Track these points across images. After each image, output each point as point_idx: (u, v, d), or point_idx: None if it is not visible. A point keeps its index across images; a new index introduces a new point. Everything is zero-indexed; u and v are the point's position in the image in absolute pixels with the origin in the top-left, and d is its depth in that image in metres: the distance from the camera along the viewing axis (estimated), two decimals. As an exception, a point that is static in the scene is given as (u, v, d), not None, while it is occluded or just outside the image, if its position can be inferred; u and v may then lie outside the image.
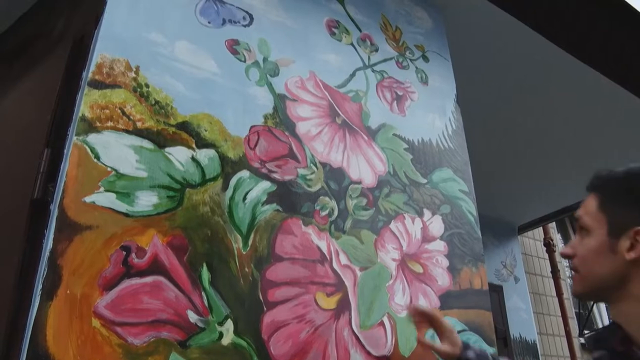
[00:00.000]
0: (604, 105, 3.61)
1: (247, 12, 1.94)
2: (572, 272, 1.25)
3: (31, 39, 2.28)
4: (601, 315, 6.61)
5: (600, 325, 6.47)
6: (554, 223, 6.70)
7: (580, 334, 6.01)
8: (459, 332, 1.95)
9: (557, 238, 6.92)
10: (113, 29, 1.61)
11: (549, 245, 6.16)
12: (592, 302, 5.91)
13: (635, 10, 2.96)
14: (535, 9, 2.89)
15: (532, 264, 6.11)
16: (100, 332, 1.26)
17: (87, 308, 1.26)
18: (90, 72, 1.51)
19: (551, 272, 5.99)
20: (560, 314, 5.77)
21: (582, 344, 5.90)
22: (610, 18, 2.99)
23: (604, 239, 1.17)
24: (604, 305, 6.51)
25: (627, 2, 2.92)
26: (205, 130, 1.65)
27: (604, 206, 1.20)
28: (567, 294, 6.02)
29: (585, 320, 6.18)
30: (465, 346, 1.60)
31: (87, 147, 1.41)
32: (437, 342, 1.68)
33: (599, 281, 1.18)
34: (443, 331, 1.61)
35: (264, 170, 1.73)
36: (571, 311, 6.16)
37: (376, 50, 2.33)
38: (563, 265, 6.32)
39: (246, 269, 1.57)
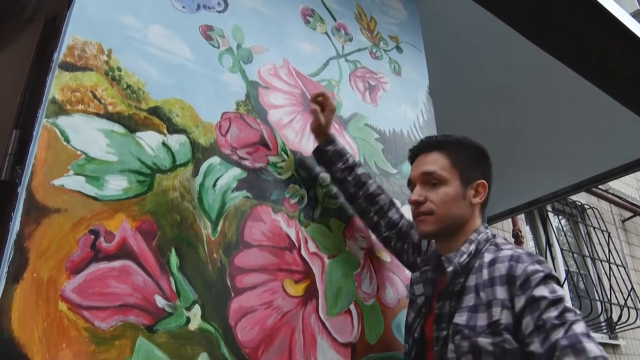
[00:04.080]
0: (574, 101, 3.67)
1: (221, -3, 1.94)
2: (420, 216, 1.58)
3: (1, 18, 2.24)
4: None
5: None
6: (522, 214, 6.81)
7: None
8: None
9: (525, 229, 7.04)
10: (85, 10, 1.59)
11: (517, 237, 6.26)
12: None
13: (607, 10, 3.01)
14: (509, 3, 2.92)
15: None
16: (67, 316, 1.26)
17: (53, 291, 1.26)
18: (61, 54, 1.50)
19: (518, 262, 6.06)
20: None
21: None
22: (582, 16, 3.04)
23: (459, 188, 1.57)
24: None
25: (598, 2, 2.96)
26: (177, 116, 1.65)
27: (455, 163, 1.59)
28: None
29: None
30: (331, 139, 1.91)
31: (56, 130, 1.40)
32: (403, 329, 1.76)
33: (452, 220, 1.56)
34: (328, 105, 1.90)
35: (234, 157, 1.73)
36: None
37: (350, 40, 2.34)
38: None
39: (215, 255, 1.58)
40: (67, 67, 1.49)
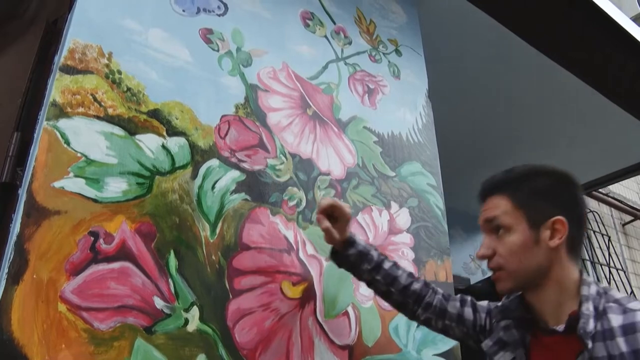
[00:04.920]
0: (574, 104, 3.68)
1: (221, 1, 1.95)
2: (493, 273, 1.34)
3: (3, 20, 2.25)
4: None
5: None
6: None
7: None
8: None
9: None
10: (87, 14, 1.61)
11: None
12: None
13: (607, 14, 3.02)
14: (509, 7, 2.93)
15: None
16: (66, 317, 1.28)
17: (53, 293, 1.28)
18: (62, 57, 1.51)
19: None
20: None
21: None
22: (583, 19, 3.05)
23: (527, 232, 1.29)
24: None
25: (597, 4, 2.98)
26: (176, 119, 1.66)
27: (518, 204, 1.32)
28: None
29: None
30: (351, 241, 1.64)
31: (57, 132, 1.42)
32: (400, 332, 1.75)
33: (528, 272, 1.29)
34: (340, 216, 1.61)
35: (233, 160, 1.75)
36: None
37: (349, 43, 2.35)
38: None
39: (213, 257, 1.59)
40: (67, 70, 1.51)
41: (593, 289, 1.25)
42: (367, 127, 2.23)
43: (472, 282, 5.32)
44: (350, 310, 1.83)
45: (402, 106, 2.43)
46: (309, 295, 1.75)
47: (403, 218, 2.15)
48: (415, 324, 1.95)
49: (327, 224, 1.60)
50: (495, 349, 1.36)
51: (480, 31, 3.08)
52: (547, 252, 1.28)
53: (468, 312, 1.55)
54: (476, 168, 4.59)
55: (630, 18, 3.32)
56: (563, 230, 1.27)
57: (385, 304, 1.91)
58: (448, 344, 2.02)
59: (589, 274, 7.50)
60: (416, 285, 1.64)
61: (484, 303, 1.56)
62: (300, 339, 1.67)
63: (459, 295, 1.62)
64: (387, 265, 1.65)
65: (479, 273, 5.48)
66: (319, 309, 1.76)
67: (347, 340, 1.78)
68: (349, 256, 1.64)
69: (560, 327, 1.23)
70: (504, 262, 1.31)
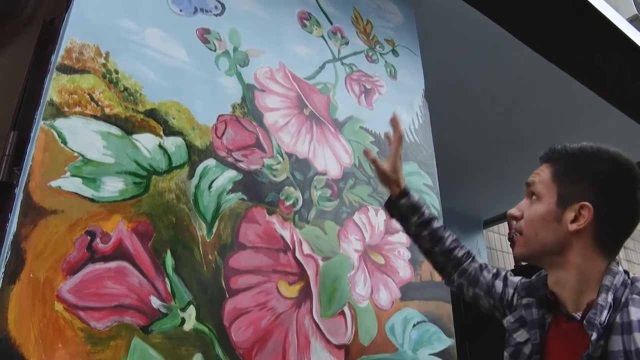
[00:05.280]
0: (572, 104, 3.69)
1: (219, 1, 1.96)
2: (513, 235, 1.33)
3: (0, 19, 2.25)
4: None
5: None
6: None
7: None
8: (418, 322, 2.00)
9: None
10: (84, 13, 1.61)
11: (512, 241, 6.25)
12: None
13: (604, 15, 3.03)
14: (505, 7, 2.93)
15: (496, 258, 6.20)
16: (63, 316, 1.28)
17: (50, 292, 1.28)
18: (59, 57, 1.51)
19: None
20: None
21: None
22: (581, 21, 3.06)
23: (553, 207, 1.25)
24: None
25: (594, 6, 2.99)
26: (173, 118, 1.67)
27: (556, 177, 1.28)
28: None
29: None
30: (405, 192, 1.70)
31: (54, 132, 1.42)
32: (396, 332, 1.75)
33: (541, 246, 1.26)
34: (396, 155, 1.70)
35: (230, 159, 1.75)
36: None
37: (346, 44, 2.36)
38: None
39: (210, 257, 1.59)
40: (64, 69, 1.51)
41: (618, 279, 1.18)
42: (363, 127, 2.23)
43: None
44: (346, 309, 1.84)
45: (398, 106, 2.43)
46: (305, 294, 1.76)
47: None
48: (411, 324, 1.96)
49: (372, 154, 1.70)
50: (516, 326, 1.33)
51: (477, 31, 3.08)
52: (566, 234, 1.23)
53: (498, 284, 1.53)
54: (473, 168, 4.61)
55: (627, 19, 3.33)
56: (587, 217, 1.21)
57: (382, 303, 1.92)
58: (444, 343, 2.03)
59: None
60: (459, 252, 1.65)
61: (516, 278, 1.53)
62: (297, 339, 1.68)
63: (495, 268, 1.61)
64: (435, 224, 1.68)
65: (475, 273, 5.47)
66: (315, 308, 1.76)
67: (343, 340, 1.79)
68: (402, 206, 1.69)
69: (578, 315, 1.19)
70: (524, 228, 1.30)
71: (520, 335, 1.31)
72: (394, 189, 1.71)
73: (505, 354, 1.35)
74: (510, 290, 1.49)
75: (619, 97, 3.58)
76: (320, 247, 1.87)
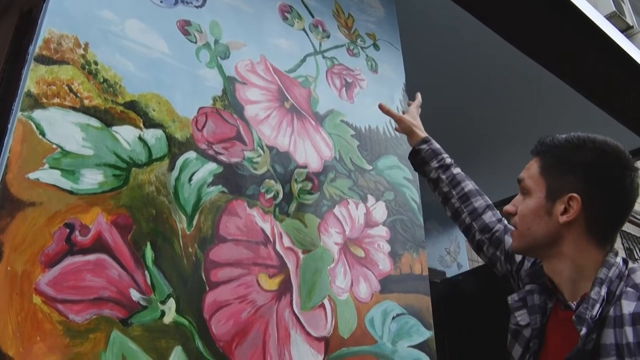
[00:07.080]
0: (554, 99, 3.72)
1: (199, -7, 1.95)
2: (509, 230, 1.40)
3: (-24, 9, 2.22)
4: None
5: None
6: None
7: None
8: (398, 315, 2.01)
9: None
10: (62, 3, 1.59)
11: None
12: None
13: (582, 12, 3.06)
14: (486, 3, 2.95)
15: (473, 253, 6.23)
16: (41, 309, 1.27)
17: (28, 285, 1.27)
18: (37, 47, 1.49)
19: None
20: (500, 300, 5.91)
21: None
22: (562, 17, 3.09)
23: (542, 201, 1.29)
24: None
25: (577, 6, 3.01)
26: (154, 110, 1.66)
27: (544, 171, 1.31)
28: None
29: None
30: (427, 139, 1.82)
31: (32, 123, 1.40)
32: (376, 325, 1.77)
33: (534, 239, 1.30)
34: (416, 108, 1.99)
35: (210, 152, 1.74)
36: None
37: (328, 37, 2.36)
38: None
39: (190, 249, 1.59)
40: (42, 60, 1.49)
41: (614, 272, 1.18)
42: (344, 120, 2.24)
43: (448, 275, 5.36)
44: (326, 302, 1.84)
45: (379, 100, 2.43)
46: (285, 287, 1.76)
47: (379, 211, 2.17)
48: (390, 316, 1.97)
49: (386, 106, 1.95)
50: (519, 305, 1.35)
51: (458, 25, 3.10)
52: (557, 226, 1.25)
53: (517, 256, 1.51)
54: (454, 162, 4.64)
55: (605, 16, 3.37)
56: (576, 208, 1.23)
57: (362, 296, 1.93)
58: (423, 335, 2.05)
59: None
60: (478, 201, 1.64)
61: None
62: (277, 331, 1.68)
63: None
64: (455, 170, 1.73)
65: (454, 266, 5.52)
66: (295, 301, 1.77)
67: (323, 332, 1.79)
68: (421, 150, 1.79)
69: (574, 304, 1.22)
70: (517, 222, 1.34)
71: (521, 316, 1.33)
72: (414, 137, 1.84)
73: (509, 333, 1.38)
74: (528, 263, 1.49)
75: (598, 93, 3.62)
76: (301, 240, 1.87)
